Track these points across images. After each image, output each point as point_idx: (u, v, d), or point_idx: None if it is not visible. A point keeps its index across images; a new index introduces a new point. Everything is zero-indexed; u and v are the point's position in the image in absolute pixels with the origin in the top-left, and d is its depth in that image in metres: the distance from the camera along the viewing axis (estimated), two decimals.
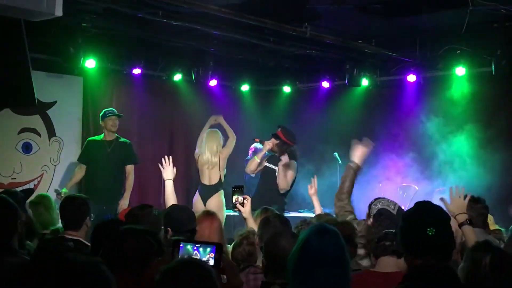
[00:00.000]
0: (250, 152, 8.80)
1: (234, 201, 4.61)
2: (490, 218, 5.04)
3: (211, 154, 7.57)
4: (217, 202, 7.44)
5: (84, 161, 7.53)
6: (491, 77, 7.60)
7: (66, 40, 7.27)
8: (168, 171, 5.13)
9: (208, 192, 7.55)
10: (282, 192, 7.20)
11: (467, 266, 2.72)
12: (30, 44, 4.79)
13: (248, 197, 4.60)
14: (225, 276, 2.62)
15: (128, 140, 7.70)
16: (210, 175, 7.57)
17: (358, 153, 4.64)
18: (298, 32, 6.95)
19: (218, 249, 2.59)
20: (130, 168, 7.60)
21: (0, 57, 4.71)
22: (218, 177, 7.60)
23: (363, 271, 3.37)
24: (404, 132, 8.68)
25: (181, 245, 2.63)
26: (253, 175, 7.70)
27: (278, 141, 7.19)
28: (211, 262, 2.58)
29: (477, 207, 4.30)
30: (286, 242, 2.88)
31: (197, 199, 7.65)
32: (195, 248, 2.61)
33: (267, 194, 7.08)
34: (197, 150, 7.80)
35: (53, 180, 7.97)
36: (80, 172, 7.51)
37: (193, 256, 2.61)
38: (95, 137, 7.65)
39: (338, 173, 8.16)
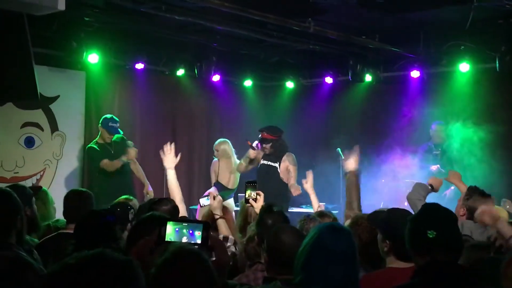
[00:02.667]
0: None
1: (247, 196, 4.57)
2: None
3: (234, 161, 8.02)
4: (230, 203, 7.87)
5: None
6: (495, 73, 7.57)
7: (68, 35, 7.27)
8: (169, 159, 4.79)
9: (228, 194, 7.97)
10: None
11: None
12: (32, 38, 4.80)
13: (261, 192, 4.55)
14: (213, 253, 2.63)
15: (120, 135, 7.56)
16: (231, 179, 7.97)
17: (351, 161, 4.58)
18: (302, 27, 6.92)
19: (206, 227, 2.60)
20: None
21: (3, 52, 4.71)
22: (237, 183, 8.06)
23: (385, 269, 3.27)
24: (407, 128, 8.65)
25: (177, 229, 2.61)
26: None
27: (270, 144, 7.39)
28: (199, 240, 2.58)
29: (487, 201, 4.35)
30: (288, 237, 2.86)
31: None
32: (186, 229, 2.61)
33: (274, 191, 6.99)
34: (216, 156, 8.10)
35: (56, 174, 7.97)
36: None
37: (184, 236, 2.61)
38: (93, 144, 7.48)
39: (341, 169, 8.13)
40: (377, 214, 3.41)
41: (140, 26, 7.45)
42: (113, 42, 7.94)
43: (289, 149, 7.57)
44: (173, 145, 4.90)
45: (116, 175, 7.32)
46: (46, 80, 7.40)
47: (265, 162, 7.53)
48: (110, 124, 7.43)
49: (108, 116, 7.55)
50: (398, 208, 3.55)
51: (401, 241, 2.97)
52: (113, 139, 7.51)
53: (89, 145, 7.57)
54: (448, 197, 7.39)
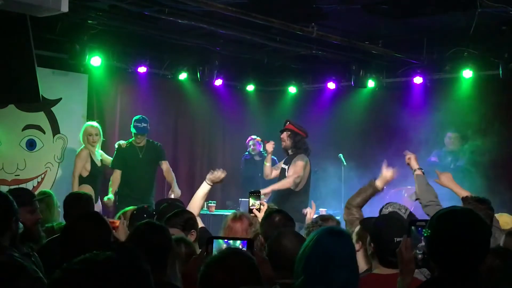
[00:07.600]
0: (247, 141, 8.97)
1: (250, 206, 4.58)
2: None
3: None
4: None
5: (119, 167, 7.42)
6: (498, 80, 7.56)
7: (71, 37, 7.26)
8: (216, 177, 4.86)
9: None
10: (293, 186, 6.83)
11: None
12: (35, 40, 4.78)
13: (264, 202, 4.56)
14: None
15: (158, 143, 7.69)
16: None
17: (386, 178, 4.80)
18: (305, 31, 6.92)
19: (249, 245, 2.64)
20: (164, 164, 7.58)
21: (6, 53, 4.70)
22: None
23: (366, 275, 3.26)
24: (409, 134, 8.63)
25: (223, 246, 2.68)
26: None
27: (289, 133, 7.01)
28: None
29: (481, 208, 4.29)
30: (289, 242, 2.87)
31: None
32: (226, 242, 2.66)
33: (279, 193, 6.84)
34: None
35: (57, 177, 7.96)
36: (117, 177, 7.38)
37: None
38: (127, 142, 7.54)
39: (342, 175, 8.12)
40: (370, 218, 3.48)
41: (143, 30, 7.45)
42: (116, 45, 7.94)
43: (308, 153, 7.05)
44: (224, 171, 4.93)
45: (141, 181, 7.43)
46: (48, 83, 7.40)
47: (284, 166, 7.11)
48: (136, 123, 7.43)
49: (137, 116, 7.52)
50: (389, 215, 3.56)
51: (384, 246, 2.97)
52: (149, 142, 7.52)
53: (119, 142, 7.56)
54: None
